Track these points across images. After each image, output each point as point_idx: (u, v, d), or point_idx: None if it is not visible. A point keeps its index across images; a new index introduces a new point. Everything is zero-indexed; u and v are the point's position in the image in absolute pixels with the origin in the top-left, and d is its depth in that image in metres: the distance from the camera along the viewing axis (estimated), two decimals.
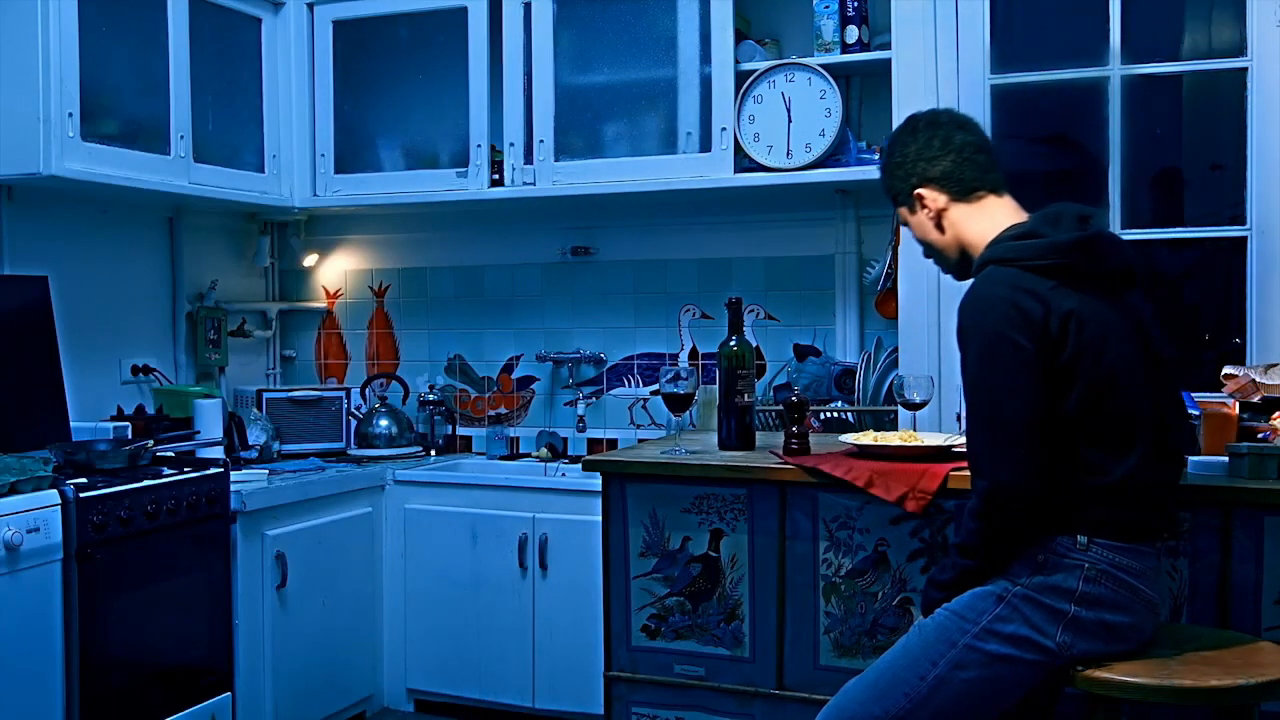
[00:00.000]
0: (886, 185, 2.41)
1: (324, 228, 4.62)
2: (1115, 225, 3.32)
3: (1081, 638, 2.09)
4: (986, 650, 2.11)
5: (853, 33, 3.59)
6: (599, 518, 2.95)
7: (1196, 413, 2.74)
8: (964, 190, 2.29)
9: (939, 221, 2.32)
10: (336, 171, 4.17)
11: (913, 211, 2.36)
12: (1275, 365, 2.93)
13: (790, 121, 3.60)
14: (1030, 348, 2.04)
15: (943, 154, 2.29)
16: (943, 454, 2.71)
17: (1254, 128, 3.17)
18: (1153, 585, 2.15)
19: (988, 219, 2.26)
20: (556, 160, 3.86)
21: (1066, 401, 2.07)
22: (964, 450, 2.70)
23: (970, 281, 2.20)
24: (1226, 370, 2.92)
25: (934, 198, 2.31)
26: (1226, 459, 2.55)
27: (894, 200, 2.41)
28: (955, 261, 2.35)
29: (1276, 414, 2.70)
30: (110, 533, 2.96)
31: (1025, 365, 2.04)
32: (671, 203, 4.02)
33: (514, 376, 4.39)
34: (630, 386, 4.21)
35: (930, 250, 2.39)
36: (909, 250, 3.34)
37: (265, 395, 4.22)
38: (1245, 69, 3.17)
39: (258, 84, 4.06)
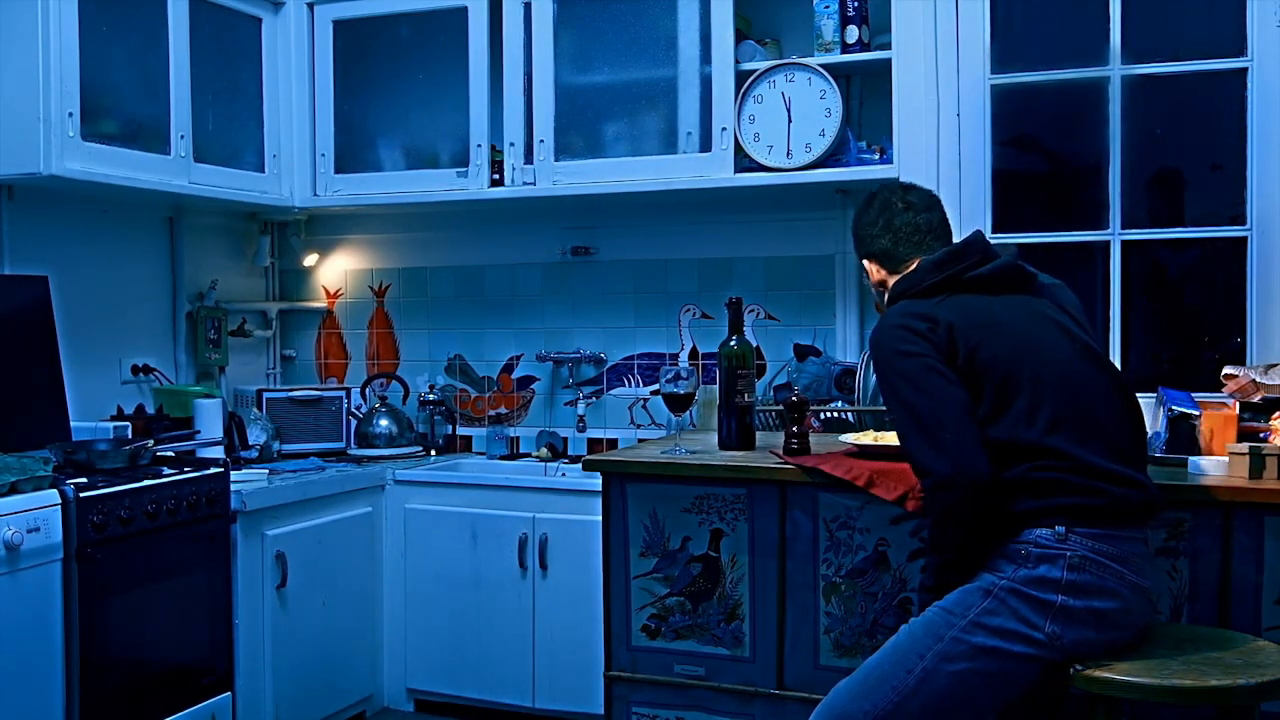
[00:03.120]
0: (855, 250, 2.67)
1: (324, 227, 4.62)
2: (1115, 225, 3.33)
3: (1071, 627, 2.10)
4: (973, 642, 2.13)
5: (853, 33, 3.59)
6: (599, 518, 2.95)
7: (1196, 413, 2.74)
8: (897, 263, 2.51)
9: (881, 291, 2.56)
10: (336, 171, 4.17)
11: (867, 274, 2.61)
12: (1275, 365, 2.93)
13: (790, 121, 3.60)
14: (925, 350, 2.21)
15: (882, 234, 2.52)
16: None
17: (1254, 128, 3.17)
18: (1140, 571, 2.16)
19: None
20: (556, 160, 3.86)
21: (986, 397, 2.18)
22: None
23: None
24: (1226, 370, 2.93)
25: (875, 270, 2.56)
26: (1226, 459, 2.56)
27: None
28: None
29: (1276, 414, 2.70)
30: (110, 532, 2.96)
31: (925, 367, 2.20)
32: (672, 203, 4.02)
33: (514, 376, 4.39)
34: (630, 386, 4.21)
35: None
36: None
37: (265, 395, 4.22)
38: (1245, 69, 3.17)
39: (258, 84, 4.06)
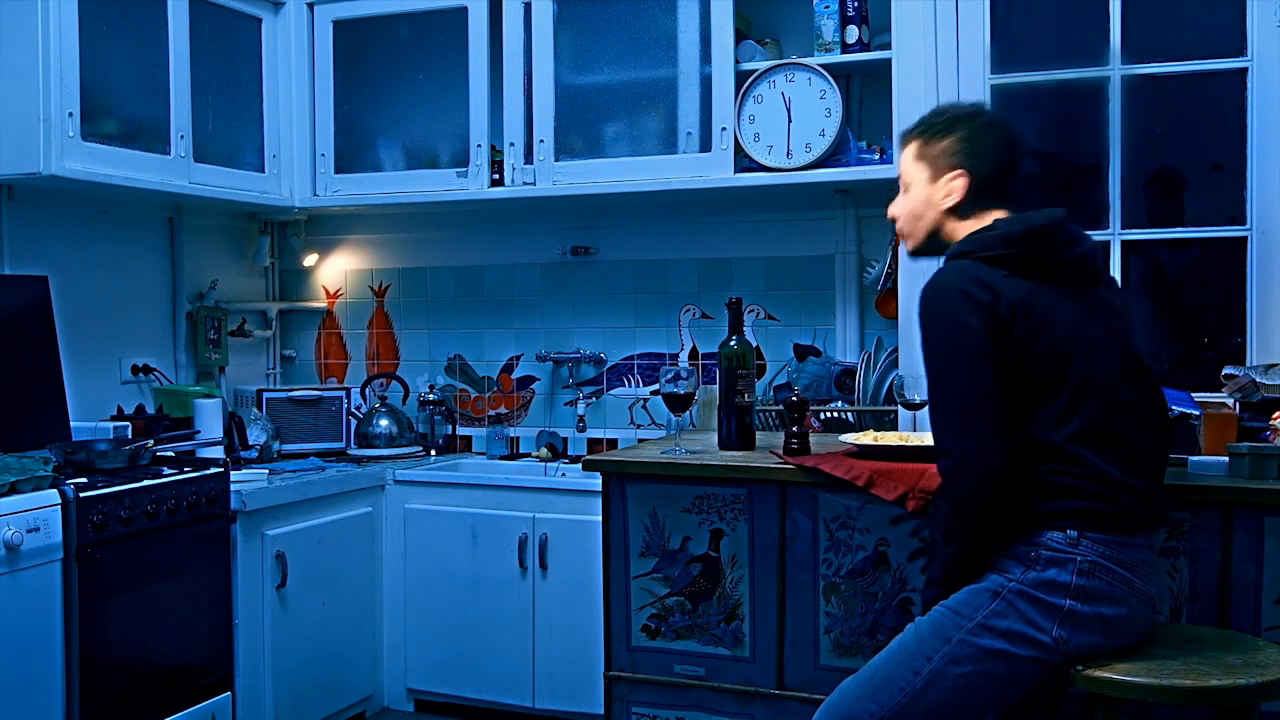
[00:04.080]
0: (928, 133, 2.35)
1: (324, 227, 4.63)
2: (1115, 225, 3.32)
3: (1078, 632, 2.09)
4: (981, 645, 2.12)
5: (853, 33, 3.59)
6: (599, 518, 2.95)
7: (1196, 413, 2.74)
8: (980, 200, 2.30)
9: (940, 207, 2.33)
10: (336, 171, 4.17)
11: (932, 177, 2.33)
12: (1275, 365, 2.93)
13: (790, 121, 3.60)
14: (981, 330, 2.11)
15: (996, 164, 2.31)
16: None
17: (1254, 128, 3.16)
18: (1147, 578, 2.15)
19: (976, 223, 2.30)
20: (556, 160, 3.86)
21: (1025, 389, 2.12)
22: None
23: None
24: (1226, 370, 2.92)
25: (960, 189, 2.30)
26: (1226, 459, 2.56)
27: (919, 148, 2.36)
28: (923, 236, 2.38)
29: (1276, 414, 2.70)
30: (110, 532, 2.96)
31: (977, 346, 2.12)
32: (671, 203, 4.02)
33: (514, 376, 4.39)
34: (630, 386, 4.21)
35: (909, 215, 2.39)
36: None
37: (265, 395, 4.22)
38: (1245, 69, 3.17)
39: (258, 84, 4.06)
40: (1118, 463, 2.13)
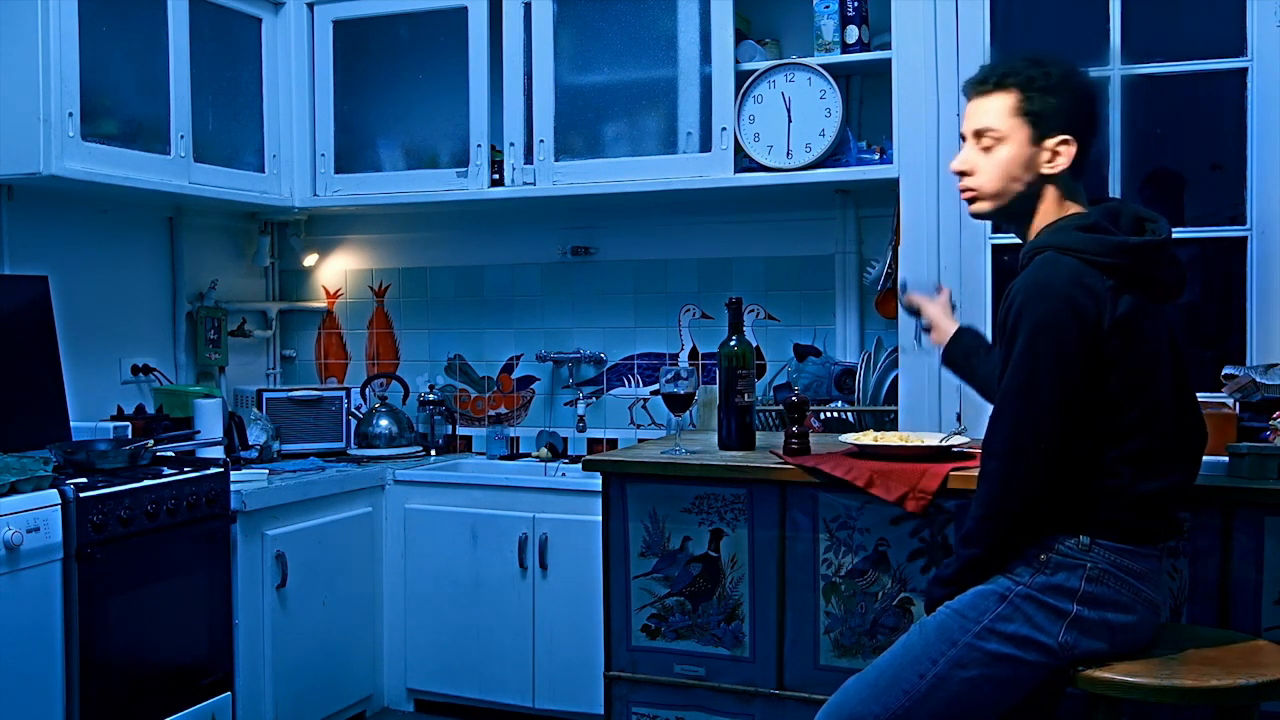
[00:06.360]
0: (1034, 86, 2.18)
1: (324, 227, 4.63)
2: None
3: (1085, 637, 2.09)
4: (987, 649, 2.11)
5: (853, 33, 3.59)
6: (599, 518, 2.95)
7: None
8: (1075, 175, 2.22)
9: (1039, 170, 2.20)
10: (336, 171, 4.17)
11: (1035, 137, 2.19)
12: (1275, 365, 2.93)
13: (790, 121, 3.60)
14: (1077, 341, 2.04)
15: (1095, 133, 2.22)
16: (943, 454, 2.71)
17: (1254, 128, 3.16)
18: (1154, 586, 2.15)
19: (1061, 209, 2.22)
20: (556, 160, 3.86)
21: (1099, 402, 2.07)
22: (963, 450, 2.72)
23: (1023, 258, 2.20)
24: (1226, 370, 2.92)
25: (1068, 157, 2.19)
26: (1226, 459, 2.55)
27: (1020, 100, 2.19)
28: (1011, 199, 2.23)
29: (1276, 414, 2.70)
30: (110, 533, 2.96)
31: (1066, 359, 2.05)
32: (671, 203, 4.02)
33: (514, 376, 4.39)
34: (630, 386, 4.21)
35: (1002, 174, 2.21)
36: (909, 250, 3.34)
37: (265, 395, 4.22)
38: (1245, 69, 3.17)
39: (258, 84, 4.06)
40: (1153, 479, 2.11)
